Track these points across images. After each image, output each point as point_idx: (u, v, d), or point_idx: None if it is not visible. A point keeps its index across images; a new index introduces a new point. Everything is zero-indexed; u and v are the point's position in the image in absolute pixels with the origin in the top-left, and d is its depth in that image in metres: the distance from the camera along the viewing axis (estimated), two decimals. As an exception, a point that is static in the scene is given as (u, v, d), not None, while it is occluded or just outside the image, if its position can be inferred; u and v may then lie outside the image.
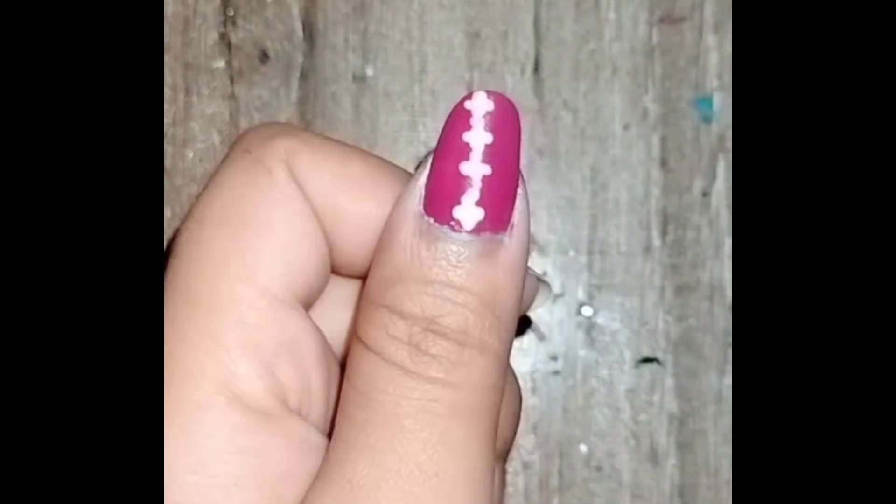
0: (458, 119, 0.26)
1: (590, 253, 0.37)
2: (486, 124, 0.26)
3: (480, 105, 0.26)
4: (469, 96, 0.27)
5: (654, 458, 0.37)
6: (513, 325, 0.27)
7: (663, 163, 0.37)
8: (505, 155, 0.26)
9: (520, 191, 0.27)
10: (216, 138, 0.37)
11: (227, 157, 0.28)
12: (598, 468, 0.37)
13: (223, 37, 0.37)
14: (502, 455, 0.30)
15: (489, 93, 0.27)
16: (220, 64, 0.37)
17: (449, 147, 0.26)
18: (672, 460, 0.37)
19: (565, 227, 0.37)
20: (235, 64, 0.37)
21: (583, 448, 0.37)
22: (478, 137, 0.26)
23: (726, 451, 0.37)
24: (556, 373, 0.37)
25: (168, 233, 0.36)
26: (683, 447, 0.37)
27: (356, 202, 0.28)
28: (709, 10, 0.37)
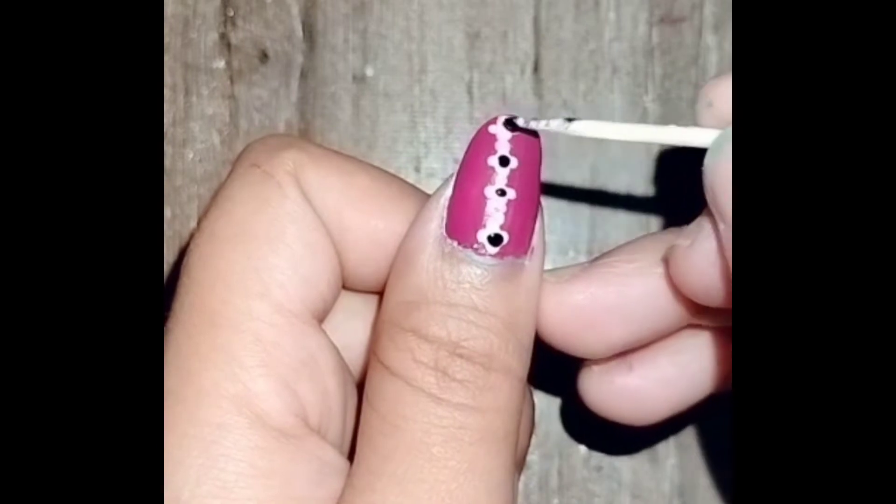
0: (482, 143, 0.27)
1: (589, 253, 0.37)
2: (510, 149, 0.26)
3: (505, 129, 0.27)
4: (493, 120, 0.27)
5: (653, 458, 0.37)
6: (531, 347, 0.27)
7: (663, 162, 0.37)
8: (527, 179, 0.26)
9: (538, 214, 0.27)
10: (216, 138, 0.37)
11: (233, 170, 0.28)
12: (598, 468, 0.37)
13: (223, 37, 0.37)
14: (519, 466, 0.30)
15: (513, 116, 0.27)
16: (220, 64, 0.37)
17: (473, 170, 0.26)
18: (672, 460, 0.37)
19: (565, 228, 0.37)
20: (235, 64, 0.37)
21: (582, 448, 0.37)
22: (502, 161, 0.26)
23: (726, 450, 0.37)
24: (555, 374, 0.37)
25: (168, 233, 0.36)
26: (683, 447, 0.37)
27: (363, 217, 0.28)
28: (709, 10, 0.37)
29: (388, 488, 0.25)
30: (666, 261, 0.28)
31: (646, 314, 0.29)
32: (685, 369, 0.30)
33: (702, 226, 0.28)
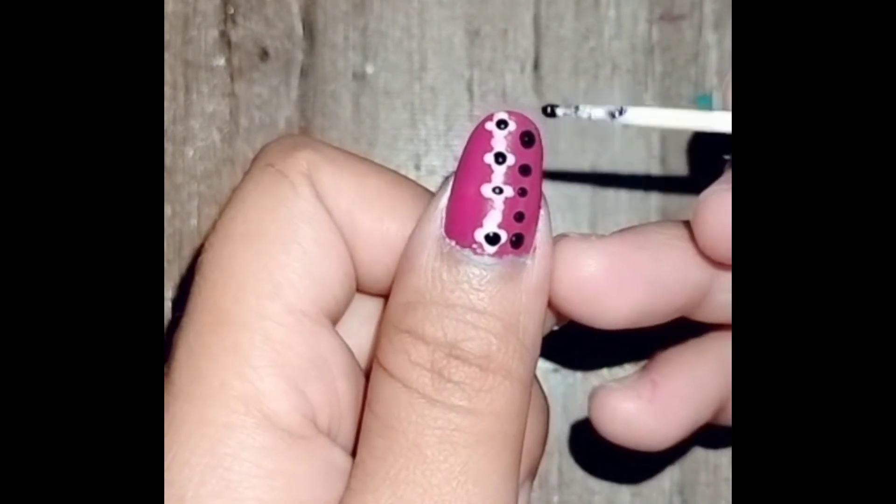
0: (479, 140, 0.26)
1: (589, 251, 0.37)
2: (507, 145, 0.26)
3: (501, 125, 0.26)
4: (490, 117, 0.26)
5: (654, 455, 0.37)
6: (536, 349, 0.27)
7: (663, 161, 0.37)
8: (527, 176, 0.26)
9: (542, 212, 0.26)
10: (216, 136, 0.37)
11: (248, 170, 0.28)
12: (598, 465, 0.37)
13: (223, 35, 0.37)
14: (530, 475, 0.29)
15: (510, 112, 0.26)
16: (220, 62, 0.37)
17: (470, 168, 0.26)
18: (672, 458, 0.37)
19: (565, 226, 0.37)
20: (235, 62, 0.37)
21: (582, 445, 0.37)
22: (499, 158, 0.26)
23: (726, 448, 0.37)
24: (555, 370, 0.37)
25: (168, 231, 0.36)
26: (683, 445, 0.37)
27: (375, 219, 0.27)
28: (708, 8, 0.37)
29: (381, 490, 0.25)
30: (690, 221, 0.28)
31: (668, 280, 0.28)
32: (702, 385, 0.30)
33: (726, 180, 0.27)
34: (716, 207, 0.27)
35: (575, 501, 0.37)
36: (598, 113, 0.26)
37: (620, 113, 0.26)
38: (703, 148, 0.37)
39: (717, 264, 0.28)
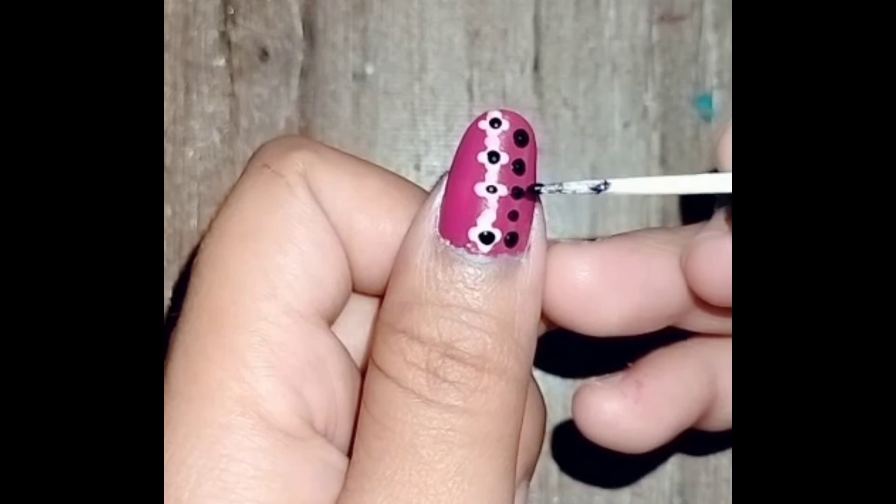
0: (473, 139, 0.26)
1: (589, 251, 0.37)
2: (500, 144, 0.26)
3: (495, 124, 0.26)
4: (483, 116, 0.26)
5: (654, 456, 0.37)
6: (532, 347, 0.27)
7: (663, 161, 0.37)
8: (521, 174, 0.26)
9: (536, 210, 0.26)
10: (216, 136, 0.37)
11: (245, 171, 0.28)
12: (598, 466, 0.37)
13: (223, 35, 0.37)
14: (527, 474, 0.29)
15: (504, 111, 0.26)
16: (220, 62, 0.37)
17: (464, 168, 0.26)
18: (672, 458, 0.37)
19: (565, 226, 0.37)
20: (235, 62, 0.37)
21: (582, 445, 0.37)
22: (493, 157, 0.26)
23: (726, 449, 0.37)
24: (555, 371, 0.37)
25: (168, 231, 0.37)
26: (684, 445, 0.37)
27: (372, 219, 0.27)
28: (708, 8, 0.37)
29: (377, 490, 0.25)
30: (682, 253, 0.28)
31: (660, 286, 0.28)
32: (687, 387, 0.30)
33: (722, 224, 0.27)
34: (710, 256, 0.27)
35: (575, 502, 0.37)
36: (583, 188, 0.26)
37: (605, 186, 0.26)
38: (703, 149, 0.37)
39: (708, 306, 0.28)
